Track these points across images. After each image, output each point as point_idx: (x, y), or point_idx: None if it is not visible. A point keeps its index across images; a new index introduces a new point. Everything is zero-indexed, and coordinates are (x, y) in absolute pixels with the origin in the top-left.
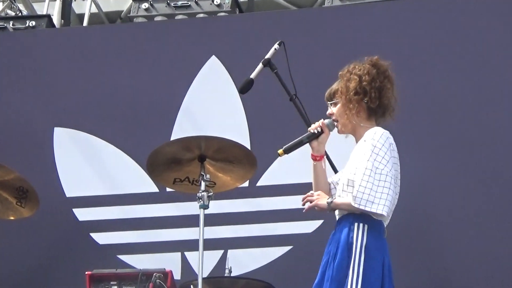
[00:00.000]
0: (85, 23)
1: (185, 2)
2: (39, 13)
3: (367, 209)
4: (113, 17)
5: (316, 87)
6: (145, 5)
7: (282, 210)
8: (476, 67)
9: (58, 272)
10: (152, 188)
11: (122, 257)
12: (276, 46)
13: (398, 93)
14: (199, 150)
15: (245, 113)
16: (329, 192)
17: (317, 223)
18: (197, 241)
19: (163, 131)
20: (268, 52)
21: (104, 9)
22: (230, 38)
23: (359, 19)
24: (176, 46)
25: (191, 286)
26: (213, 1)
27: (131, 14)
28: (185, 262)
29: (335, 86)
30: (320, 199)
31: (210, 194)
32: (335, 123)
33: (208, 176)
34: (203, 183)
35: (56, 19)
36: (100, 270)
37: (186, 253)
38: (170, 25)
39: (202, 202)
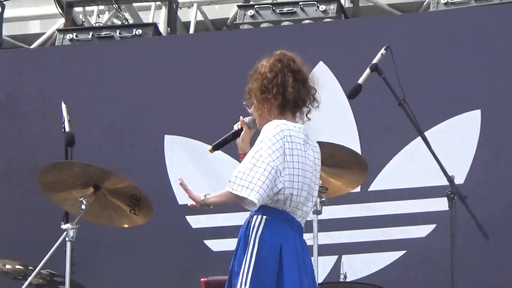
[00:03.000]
0: (191, 31)
1: (291, 8)
2: (145, 21)
3: (239, 193)
4: (219, 24)
5: (424, 91)
6: (251, 12)
7: (395, 215)
8: None
9: (173, 279)
10: None
11: None
12: (382, 51)
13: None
14: None
15: (355, 118)
16: None
17: (430, 227)
18: (311, 247)
19: None
20: (375, 57)
21: (210, 17)
22: (337, 43)
23: (465, 24)
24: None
25: None
26: (318, 7)
27: (237, 21)
28: None
29: (247, 88)
30: (197, 194)
31: (322, 199)
32: (255, 120)
33: (320, 181)
34: None
35: (162, 27)
36: (215, 277)
37: None
38: (276, 31)
39: (315, 207)
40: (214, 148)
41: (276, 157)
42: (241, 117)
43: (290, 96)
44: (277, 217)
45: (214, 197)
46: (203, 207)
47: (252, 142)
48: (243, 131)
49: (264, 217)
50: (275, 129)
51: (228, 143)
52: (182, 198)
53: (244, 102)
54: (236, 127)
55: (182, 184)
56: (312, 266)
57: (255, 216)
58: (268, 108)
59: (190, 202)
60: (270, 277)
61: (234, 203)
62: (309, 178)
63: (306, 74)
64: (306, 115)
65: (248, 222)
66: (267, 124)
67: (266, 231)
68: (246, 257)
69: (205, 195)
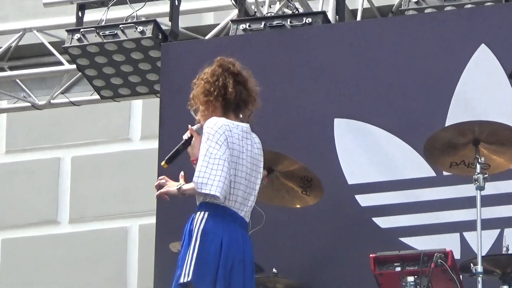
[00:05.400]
0: (358, 18)
1: None
2: (314, 10)
3: (204, 191)
4: (384, 11)
5: None
6: None
7: None
8: None
9: (342, 255)
10: (430, 172)
11: (404, 239)
12: None
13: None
14: (473, 134)
15: None
16: None
17: None
18: (474, 221)
19: (437, 117)
20: None
21: (376, 4)
22: (498, 26)
23: None
24: (446, 35)
25: (471, 264)
26: None
27: (402, 8)
28: (464, 242)
29: (191, 95)
30: (171, 186)
31: (485, 176)
32: (202, 127)
33: (483, 159)
34: (478, 166)
35: (331, 15)
36: (384, 253)
37: (464, 233)
38: (439, 16)
39: (478, 184)
40: (167, 162)
41: (224, 150)
42: (189, 126)
43: (231, 97)
44: (219, 212)
45: (186, 189)
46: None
47: None
48: (193, 139)
49: (206, 212)
50: (216, 125)
51: (180, 154)
52: (351, 178)
53: (191, 109)
54: (185, 136)
55: (161, 184)
56: (251, 257)
57: (198, 212)
58: (212, 110)
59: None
60: (211, 267)
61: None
62: (244, 171)
63: (247, 77)
64: (249, 117)
65: (192, 218)
66: (206, 122)
67: (207, 225)
68: (189, 250)
69: (181, 185)
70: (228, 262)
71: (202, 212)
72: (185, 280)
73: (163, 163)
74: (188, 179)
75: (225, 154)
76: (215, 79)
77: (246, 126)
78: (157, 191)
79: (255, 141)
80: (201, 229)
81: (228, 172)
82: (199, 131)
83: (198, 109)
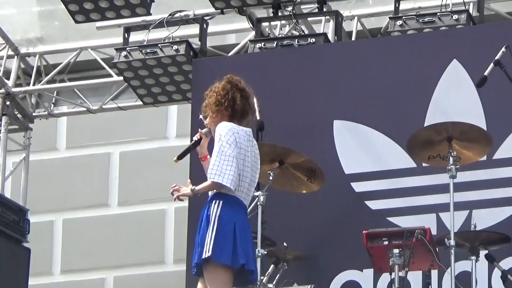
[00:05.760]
0: (353, 38)
1: (431, 18)
2: (317, 32)
3: (218, 181)
4: (375, 32)
5: None
6: (399, 22)
7: None
8: None
9: (340, 232)
10: (411, 164)
11: (391, 219)
12: (503, 49)
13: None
14: (447, 133)
15: (481, 102)
16: None
17: None
18: (448, 204)
19: (417, 119)
20: (497, 54)
21: (368, 27)
22: (467, 45)
23: None
24: (424, 52)
25: (445, 239)
26: (452, 16)
27: (389, 30)
28: (439, 220)
29: (203, 104)
30: (184, 190)
31: (457, 166)
32: (210, 130)
33: (455, 153)
34: (451, 159)
35: (330, 36)
36: (374, 230)
37: (440, 213)
38: (419, 36)
39: (451, 173)
40: (179, 158)
41: (233, 148)
42: (199, 129)
43: (238, 108)
44: (230, 201)
45: (200, 188)
46: (194, 196)
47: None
48: (202, 140)
49: (221, 201)
50: (226, 127)
51: (190, 152)
52: (348, 169)
53: (201, 116)
54: (195, 138)
55: (176, 189)
56: (251, 235)
57: (214, 201)
58: (220, 117)
59: (178, 195)
60: (228, 245)
61: (216, 189)
62: (249, 167)
63: (249, 93)
64: (248, 124)
65: (209, 206)
66: (218, 125)
67: (222, 212)
68: (209, 232)
69: (194, 187)
70: (242, 240)
71: (217, 201)
72: (207, 256)
73: (175, 158)
74: (194, 184)
75: (234, 152)
76: (225, 92)
77: (249, 130)
78: (173, 195)
79: (254, 143)
80: (218, 214)
81: (237, 167)
82: (207, 134)
83: (208, 116)
